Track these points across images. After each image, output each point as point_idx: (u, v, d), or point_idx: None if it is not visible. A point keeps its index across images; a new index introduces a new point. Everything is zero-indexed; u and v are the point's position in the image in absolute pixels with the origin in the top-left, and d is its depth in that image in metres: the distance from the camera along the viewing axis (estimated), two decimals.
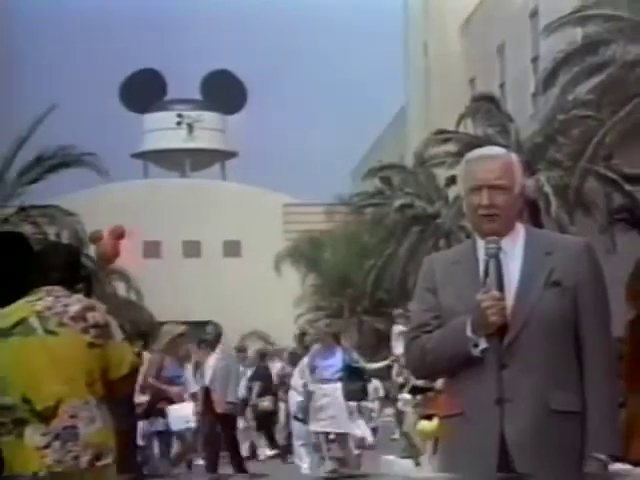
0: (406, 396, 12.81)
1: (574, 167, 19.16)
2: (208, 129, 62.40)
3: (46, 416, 4.65)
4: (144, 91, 60.19)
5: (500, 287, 3.66)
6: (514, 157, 3.92)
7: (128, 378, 4.86)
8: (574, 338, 3.72)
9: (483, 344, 3.66)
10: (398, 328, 12.70)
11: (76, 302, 4.83)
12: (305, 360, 12.86)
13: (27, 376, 4.70)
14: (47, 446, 4.65)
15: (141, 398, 11.70)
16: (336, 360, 12.30)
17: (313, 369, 12.33)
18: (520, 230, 3.79)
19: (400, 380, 12.17)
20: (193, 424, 11.99)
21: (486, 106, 22.87)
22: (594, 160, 18.76)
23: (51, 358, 4.73)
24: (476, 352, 3.64)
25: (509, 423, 3.64)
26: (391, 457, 13.94)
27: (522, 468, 3.62)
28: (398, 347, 12.27)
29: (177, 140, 61.11)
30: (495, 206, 3.74)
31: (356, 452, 13.34)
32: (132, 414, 9.02)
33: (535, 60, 26.85)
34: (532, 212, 19.80)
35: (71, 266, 5.04)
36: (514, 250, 3.76)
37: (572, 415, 3.66)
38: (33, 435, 4.66)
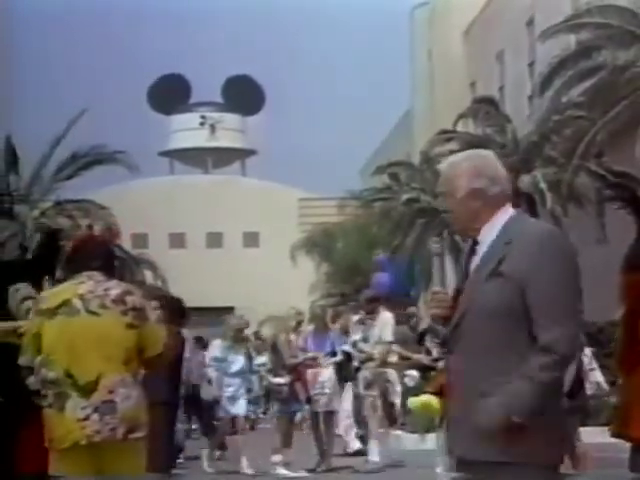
0: (413, 372, 12.81)
1: (567, 164, 19.14)
2: (229, 129, 62.43)
3: (87, 390, 4.70)
4: (170, 94, 60.27)
5: (465, 278, 3.70)
6: (455, 164, 3.88)
7: (161, 356, 4.92)
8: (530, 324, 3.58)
9: (443, 331, 3.74)
10: (355, 317, 12.77)
11: (116, 286, 4.89)
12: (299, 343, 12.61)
13: (71, 353, 4.75)
14: (86, 418, 4.69)
15: (278, 380, 11.64)
16: (327, 343, 12.14)
17: (304, 351, 12.12)
18: (500, 221, 3.72)
19: (355, 364, 12.08)
20: (328, 390, 11.85)
21: (486, 108, 22.84)
22: (586, 157, 18.74)
23: (93, 336, 4.78)
24: (436, 339, 3.79)
25: (451, 405, 3.70)
26: (399, 432, 13.95)
27: (457, 448, 3.66)
28: (355, 335, 12.26)
29: (200, 139, 61.17)
30: (450, 210, 3.84)
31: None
32: (176, 392, 9.00)
33: (532, 65, 26.79)
34: (529, 205, 19.82)
35: (108, 255, 5.11)
36: (486, 241, 3.72)
37: None
38: (74, 408, 4.70)
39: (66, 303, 4.85)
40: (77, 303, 4.83)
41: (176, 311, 9.13)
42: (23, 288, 5.56)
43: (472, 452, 3.64)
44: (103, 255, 5.02)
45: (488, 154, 3.91)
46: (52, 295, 4.96)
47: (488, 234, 3.72)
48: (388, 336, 11.73)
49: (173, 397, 8.78)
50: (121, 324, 4.77)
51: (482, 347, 3.61)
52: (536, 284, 3.55)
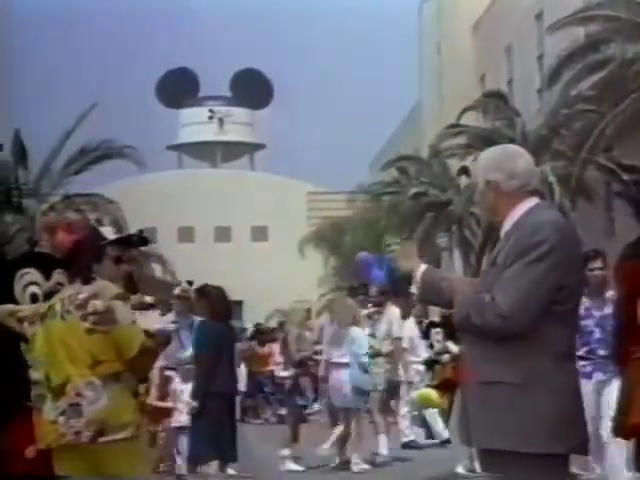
0: (419, 367, 12.79)
1: (576, 158, 19.12)
2: (238, 123, 62.43)
3: (57, 392, 4.73)
4: (178, 88, 60.28)
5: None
6: (481, 157, 3.96)
7: (142, 357, 4.76)
8: None
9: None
10: (363, 312, 12.70)
11: (88, 290, 4.86)
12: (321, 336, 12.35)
13: (48, 356, 4.81)
14: (55, 421, 4.72)
15: (284, 373, 11.48)
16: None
17: (319, 345, 11.89)
18: (517, 215, 3.78)
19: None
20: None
21: (495, 101, 22.83)
22: (594, 151, 18.72)
23: (61, 340, 4.82)
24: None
25: (462, 394, 3.84)
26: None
27: (471, 433, 3.74)
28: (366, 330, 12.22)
29: (209, 133, 61.18)
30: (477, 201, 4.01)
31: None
32: (233, 383, 9.01)
33: (540, 58, 26.73)
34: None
35: (95, 251, 5.02)
36: (502, 234, 3.82)
37: (497, 385, 3.63)
38: (48, 409, 4.75)
39: (52, 307, 4.92)
40: (58, 307, 4.88)
41: (219, 303, 9.13)
42: (29, 273, 5.52)
43: (477, 440, 3.72)
44: (93, 253, 4.93)
45: (511, 149, 3.97)
46: (49, 302, 5.02)
47: (506, 227, 3.80)
48: (396, 331, 11.69)
49: (231, 388, 8.86)
50: (81, 329, 4.75)
51: (476, 336, 3.69)
52: (506, 266, 3.65)
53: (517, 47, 29.69)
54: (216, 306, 9.16)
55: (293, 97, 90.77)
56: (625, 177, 19.30)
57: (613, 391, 6.83)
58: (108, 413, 4.66)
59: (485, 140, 20.09)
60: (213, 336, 8.94)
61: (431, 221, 26.06)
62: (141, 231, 5.08)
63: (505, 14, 30.29)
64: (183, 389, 9.88)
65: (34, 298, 5.36)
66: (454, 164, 25.11)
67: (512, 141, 21.16)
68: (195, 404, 9.24)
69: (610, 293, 7.46)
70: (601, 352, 7.62)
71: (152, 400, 9.67)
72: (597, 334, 7.69)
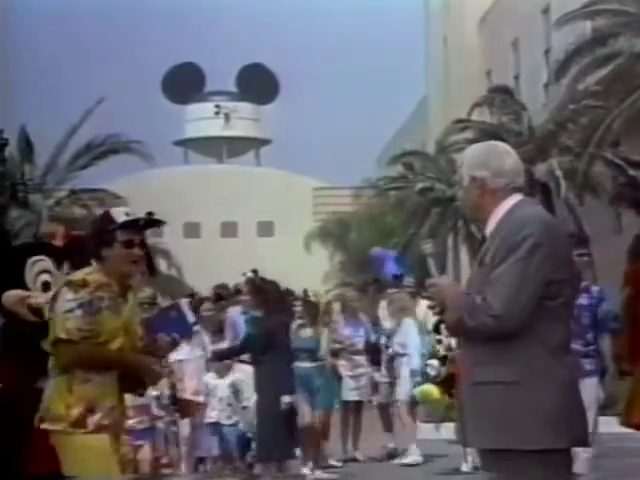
0: (434, 362, 12.73)
1: (583, 153, 19.10)
2: (243, 118, 62.48)
3: None
4: (184, 84, 60.35)
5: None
6: (467, 153, 3.94)
7: (61, 350, 4.54)
8: None
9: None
10: (384, 305, 12.61)
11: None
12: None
13: None
14: None
15: None
16: (362, 330, 11.94)
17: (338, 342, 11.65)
18: (499, 213, 3.76)
19: (389, 353, 11.94)
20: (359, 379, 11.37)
21: (501, 96, 22.81)
22: (601, 146, 18.70)
23: None
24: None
25: (459, 394, 3.81)
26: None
27: (469, 434, 3.71)
28: (385, 324, 12.14)
29: (215, 129, 61.24)
30: (460, 198, 3.98)
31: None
32: (290, 379, 8.96)
33: (547, 52, 26.69)
34: (544, 194, 19.77)
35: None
36: (488, 232, 3.79)
37: (494, 384, 3.61)
38: None
39: None
40: None
41: (270, 296, 8.99)
42: (43, 261, 5.47)
43: (477, 441, 3.71)
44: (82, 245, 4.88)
45: (499, 146, 3.92)
46: None
47: (491, 226, 3.77)
48: (429, 326, 11.65)
49: (288, 385, 8.82)
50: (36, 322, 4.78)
51: (472, 337, 3.67)
52: (495, 266, 3.61)
53: (524, 41, 29.64)
54: (273, 302, 8.96)
55: (299, 92, 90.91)
56: (632, 172, 19.29)
57: (590, 389, 6.75)
58: (47, 403, 4.63)
59: (491, 135, 20.04)
60: (268, 333, 8.75)
61: (437, 216, 26.04)
62: (150, 213, 4.80)
63: (512, 8, 30.25)
64: (217, 384, 9.71)
65: (46, 286, 5.31)
66: (460, 159, 25.07)
67: (519, 136, 21.15)
68: (249, 404, 9.13)
69: (585, 283, 6.96)
70: (573, 345, 7.31)
71: (184, 394, 9.56)
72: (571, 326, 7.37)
